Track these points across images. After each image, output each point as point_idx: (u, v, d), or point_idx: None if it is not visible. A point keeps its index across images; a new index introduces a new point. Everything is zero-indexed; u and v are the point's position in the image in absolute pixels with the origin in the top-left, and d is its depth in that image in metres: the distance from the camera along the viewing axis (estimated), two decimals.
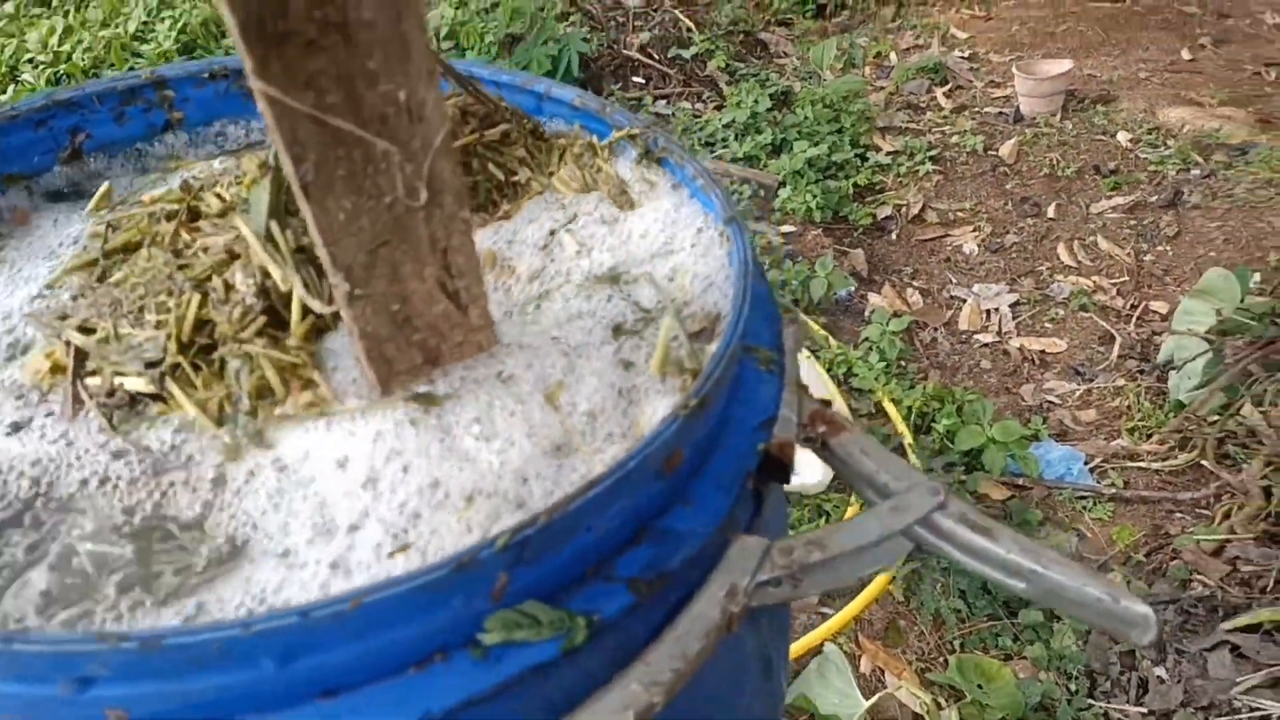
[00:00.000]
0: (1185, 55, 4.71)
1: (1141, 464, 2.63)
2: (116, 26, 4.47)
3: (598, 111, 0.80)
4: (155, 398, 0.57)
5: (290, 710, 0.44)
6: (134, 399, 0.56)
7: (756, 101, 3.89)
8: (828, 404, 0.66)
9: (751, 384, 0.61)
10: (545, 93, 0.83)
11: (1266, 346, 2.67)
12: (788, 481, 0.61)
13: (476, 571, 0.44)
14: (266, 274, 0.59)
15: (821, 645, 2.09)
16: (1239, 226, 3.40)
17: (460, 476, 0.55)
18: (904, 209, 3.72)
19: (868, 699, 1.97)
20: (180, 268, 0.63)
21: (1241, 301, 2.84)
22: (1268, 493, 2.37)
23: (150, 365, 0.56)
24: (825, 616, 2.17)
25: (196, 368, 0.57)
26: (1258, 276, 3.07)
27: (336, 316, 0.64)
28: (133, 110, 0.82)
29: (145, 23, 4.50)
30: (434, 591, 0.43)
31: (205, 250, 0.64)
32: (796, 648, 2.06)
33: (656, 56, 4.35)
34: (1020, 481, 2.56)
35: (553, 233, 0.75)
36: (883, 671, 2.11)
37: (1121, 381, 2.93)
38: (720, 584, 0.54)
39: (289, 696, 0.44)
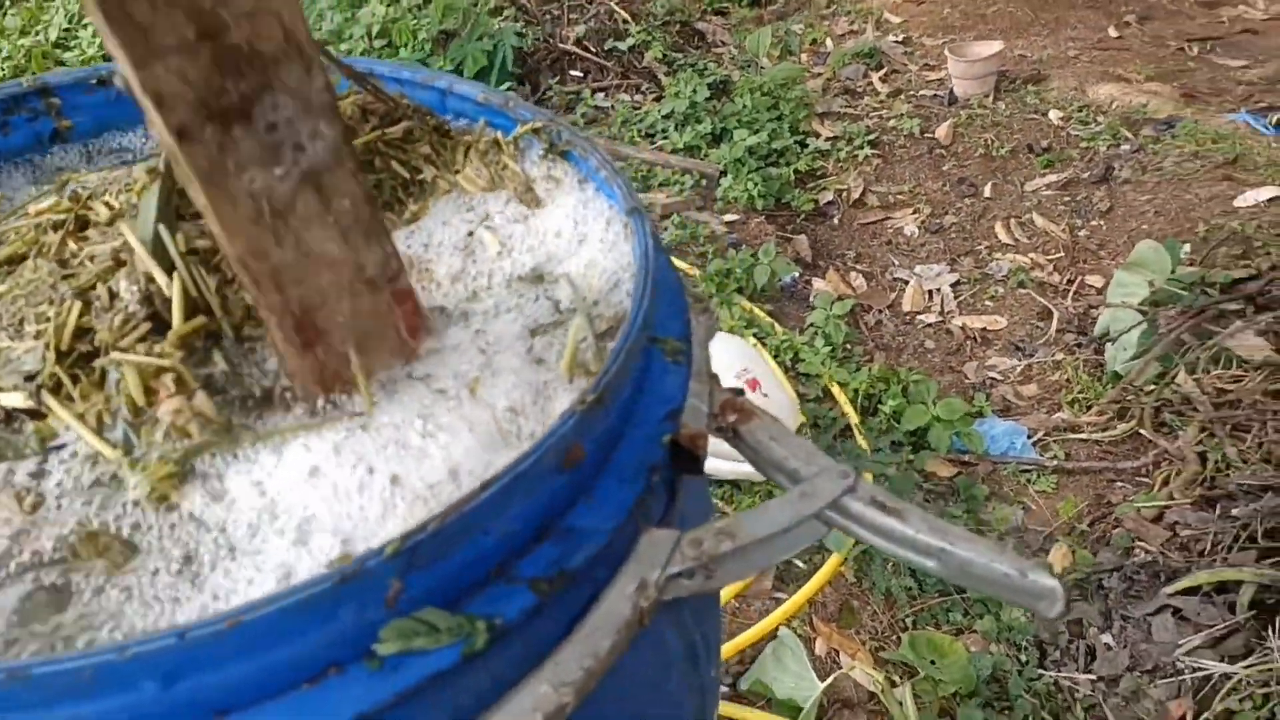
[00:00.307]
0: (1112, 33, 4.81)
1: (1082, 435, 2.68)
2: (37, 34, 4.33)
3: (501, 106, 0.79)
4: (33, 414, 0.55)
5: None
6: (9, 415, 0.54)
7: (695, 91, 3.89)
8: (739, 393, 0.66)
9: (657, 375, 0.60)
10: (448, 89, 0.81)
11: (1197, 315, 2.73)
12: (700, 472, 0.60)
13: (365, 581, 0.43)
14: (151, 280, 0.57)
15: (776, 630, 2.10)
16: (1168, 199, 3.48)
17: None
18: (845, 194, 3.75)
19: (823, 680, 1.99)
20: (65, 277, 0.60)
21: (1173, 272, 2.91)
22: (1203, 458, 2.43)
23: (28, 379, 0.54)
24: (779, 601, 2.18)
25: (75, 378, 0.54)
26: (1187, 247, 3.15)
27: (238, 325, 0.63)
28: (17, 119, 0.79)
29: (67, 29, 4.37)
30: (320, 605, 0.42)
31: (91, 259, 0.62)
32: (752, 634, 2.07)
33: (593, 49, 4.33)
34: (966, 458, 2.60)
35: (471, 233, 0.74)
36: (838, 653, 2.13)
37: (1060, 356, 2.98)
38: (630, 579, 0.53)
39: (178, 719, 0.43)
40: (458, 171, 0.73)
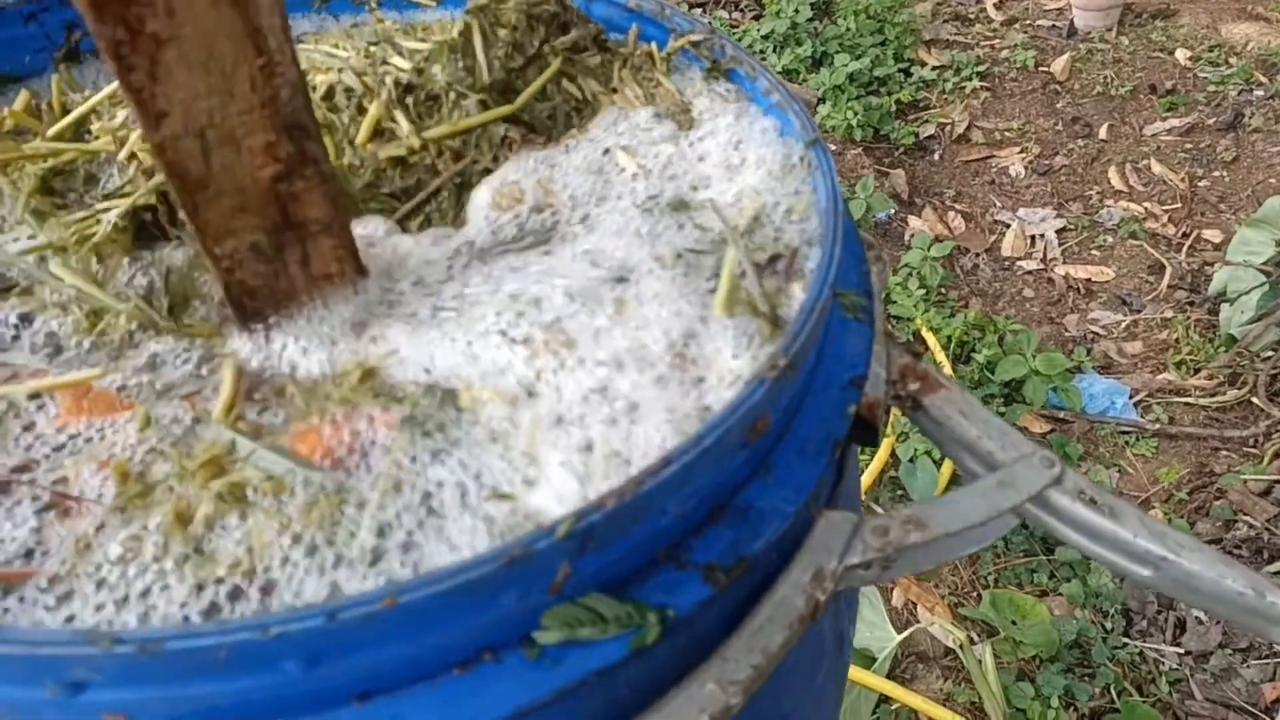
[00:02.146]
0: None
1: (1188, 399, 2.54)
2: None
3: (655, 15, 0.70)
4: None
5: (320, 715, 0.38)
6: None
7: (797, 11, 3.68)
8: (918, 356, 0.58)
9: (838, 335, 0.53)
10: None
11: None
12: (877, 445, 0.53)
13: (533, 564, 0.37)
14: None
15: None
16: None
17: None
18: (948, 128, 3.55)
19: (900, 632, 1.94)
20: None
21: None
22: None
23: None
24: None
25: None
26: None
27: None
28: None
29: None
30: (483, 588, 0.36)
31: None
32: None
33: None
34: (1061, 415, 2.48)
35: (607, 152, 0.67)
36: (915, 605, 2.08)
37: (1170, 313, 2.81)
38: (805, 567, 0.47)
39: (319, 701, 0.38)
40: (615, 90, 0.65)
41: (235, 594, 0.42)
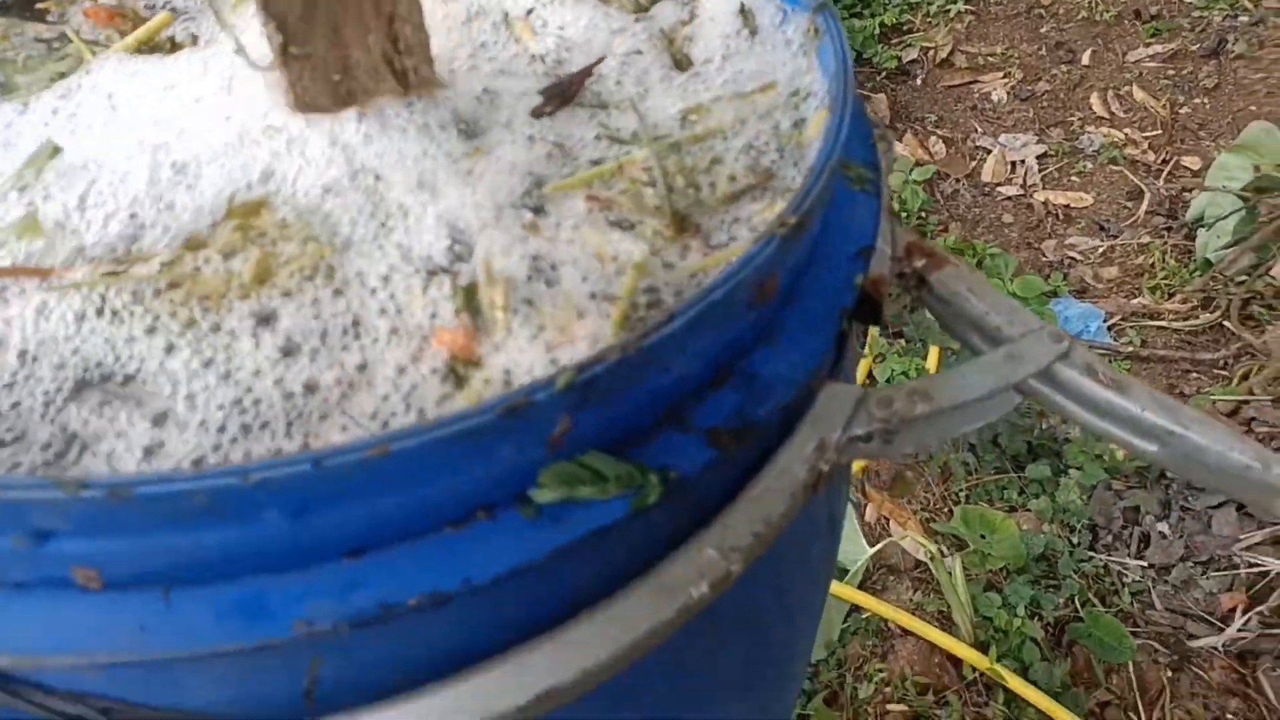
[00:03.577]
0: None
1: (1161, 323, 2.56)
2: None
3: None
4: None
5: (306, 570, 0.36)
6: None
7: None
8: (923, 234, 0.56)
9: (845, 206, 0.51)
10: None
11: None
12: (879, 323, 0.52)
13: (531, 416, 0.35)
14: None
15: None
16: None
17: None
18: (932, 52, 3.49)
19: (872, 546, 1.97)
20: None
21: None
22: None
23: None
24: None
25: None
26: None
27: None
28: None
29: None
30: (478, 439, 0.34)
31: None
32: None
33: None
34: None
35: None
36: (888, 520, 2.11)
37: (1147, 239, 2.82)
38: (808, 438, 0.45)
39: (304, 555, 0.36)
40: None
41: None
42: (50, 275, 0.45)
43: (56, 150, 0.53)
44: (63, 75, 0.60)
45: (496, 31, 0.65)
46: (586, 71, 0.62)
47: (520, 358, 0.42)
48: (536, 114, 0.60)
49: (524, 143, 0.55)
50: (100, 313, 0.44)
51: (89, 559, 0.34)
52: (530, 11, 0.66)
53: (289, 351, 0.43)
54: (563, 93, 0.61)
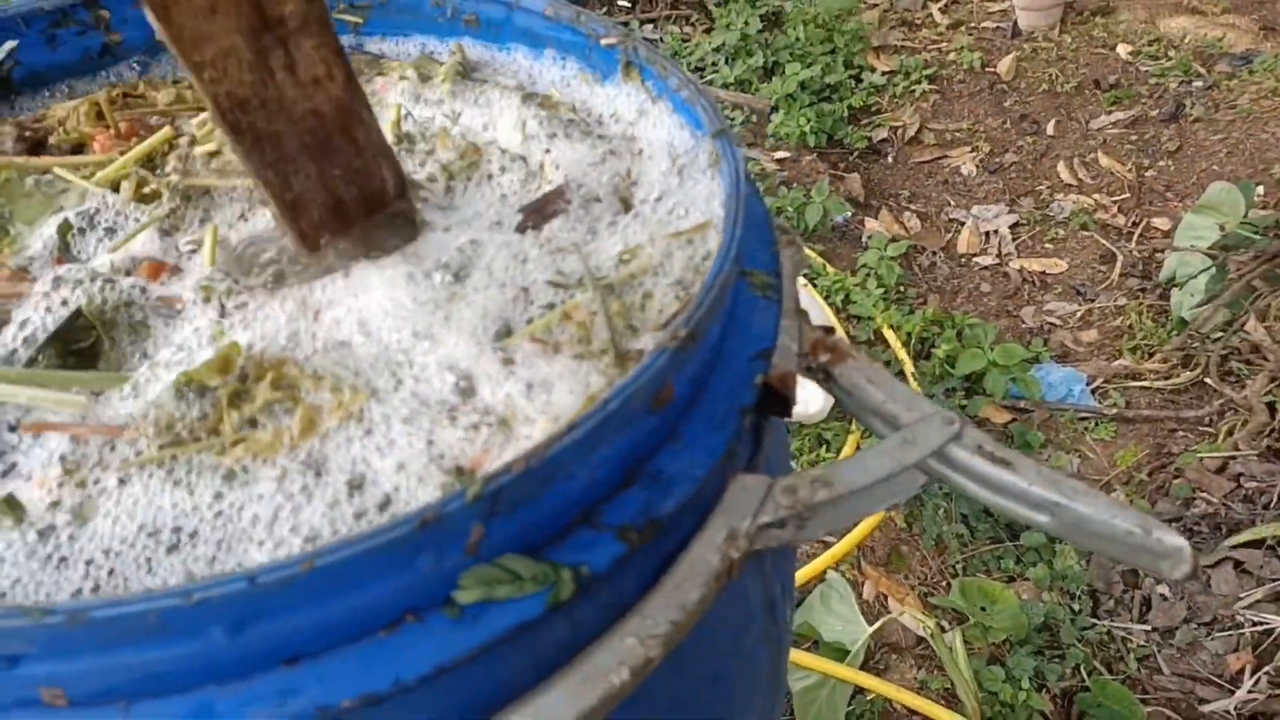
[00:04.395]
0: None
1: (1144, 383, 2.60)
2: None
3: (571, 21, 0.74)
4: None
5: (249, 680, 0.40)
6: None
7: (746, 23, 3.75)
8: (830, 331, 0.61)
9: (746, 311, 0.56)
10: (515, 2, 0.76)
11: (1271, 260, 2.61)
12: (789, 415, 0.56)
13: (446, 526, 0.39)
14: None
15: (824, 573, 2.08)
16: (1242, 138, 3.31)
17: None
18: (900, 130, 3.62)
19: (871, 624, 1.97)
20: None
21: (1245, 215, 2.78)
22: (1271, 408, 2.34)
23: None
24: (828, 545, 2.15)
25: None
26: (1261, 189, 3.01)
27: None
28: (64, 33, 0.75)
29: None
30: (398, 550, 0.39)
31: None
32: (800, 576, 2.05)
33: None
34: (1022, 404, 2.53)
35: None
36: (886, 597, 2.11)
37: (1123, 300, 2.88)
38: (718, 528, 0.49)
39: (246, 665, 0.40)
40: None
41: None
42: (118, 434, 0.50)
43: None
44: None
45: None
46: (558, 192, 0.68)
47: None
48: (520, 229, 0.65)
49: (497, 289, 0.60)
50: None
51: (54, 679, 0.38)
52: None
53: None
54: (539, 209, 0.67)
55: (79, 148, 0.72)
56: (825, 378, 0.59)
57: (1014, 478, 0.52)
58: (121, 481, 0.49)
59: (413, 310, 0.57)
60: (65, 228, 0.65)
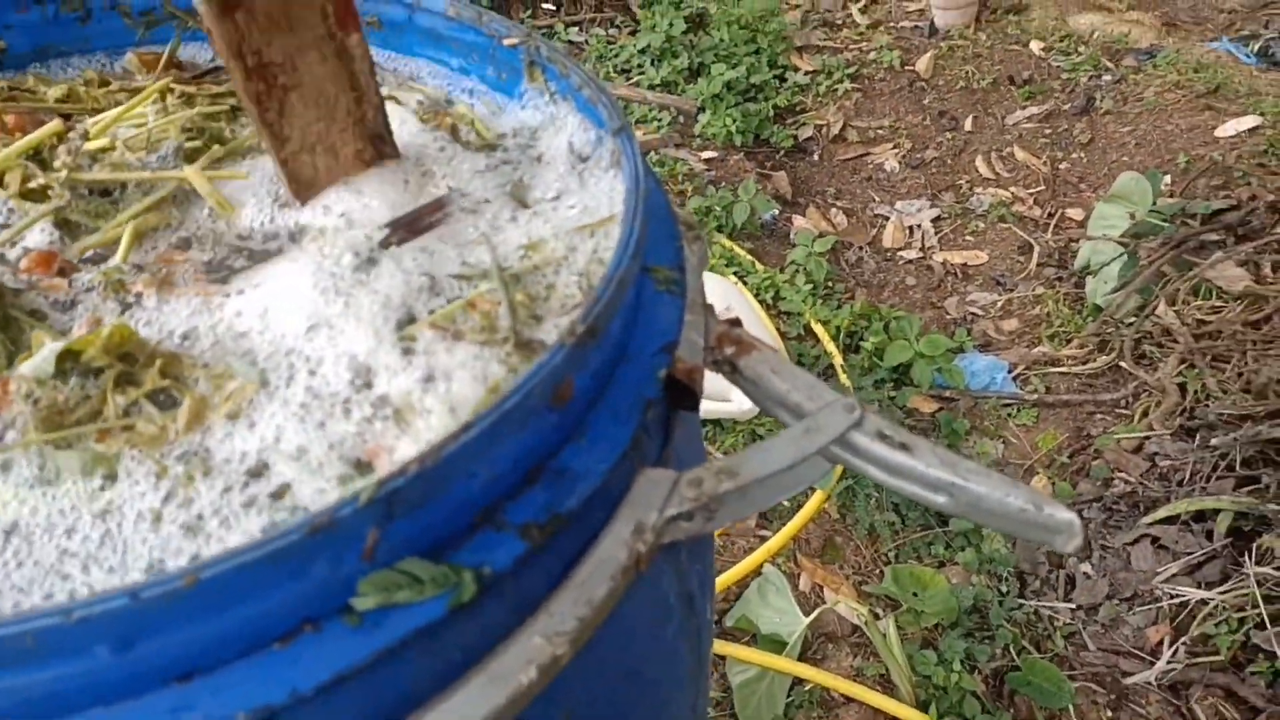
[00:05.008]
0: None
1: (1062, 369, 2.68)
2: None
3: (474, 22, 0.73)
4: None
5: (140, 699, 0.39)
6: None
7: (671, 25, 3.77)
8: (736, 324, 0.62)
9: (650, 306, 0.56)
10: (416, 3, 0.75)
11: (1178, 247, 2.72)
12: (695, 409, 0.57)
13: (338, 532, 0.39)
14: None
15: (761, 567, 2.11)
16: (1149, 130, 3.44)
17: None
18: (824, 129, 3.68)
19: (808, 615, 2.00)
20: None
21: (1153, 204, 2.89)
22: (1183, 389, 2.44)
23: None
24: (764, 539, 2.18)
25: None
26: (1168, 178, 3.13)
27: None
28: None
29: None
30: (288, 559, 0.38)
31: None
32: (736, 571, 2.07)
33: None
34: (948, 393, 2.59)
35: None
36: (822, 588, 2.14)
37: (1041, 289, 2.97)
38: (625, 522, 0.50)
39: (136, 684, 0.39)
40: None
41: None
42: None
43: None
44: None
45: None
46: (434, 206, 0.67)
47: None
48: (384, 244, 0.65)
49: (402, 276, 0.59)
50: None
51: None
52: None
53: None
54: (409, 225, 0.67)
55: None
56: (731, 370, 0.60)
57: (912, 461, 0.53)
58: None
59: (314, 299, 0.56)
60: None
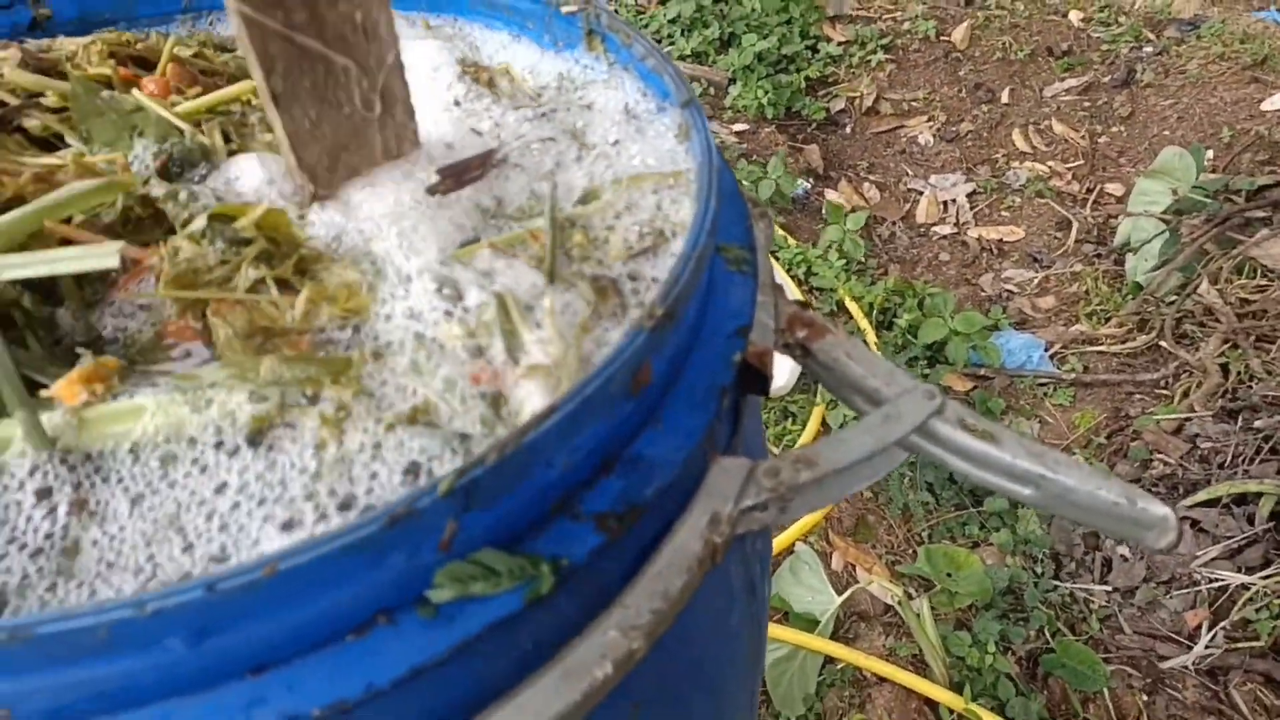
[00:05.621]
0: None
1: (1100, 348, 2.63)
2: None
3: None
4: None
5: (213, 691, 0.38)
6: None
7: None
8: (805, 305, 0.60)
9: (722, 287, 0.54)
10: None
11: (1222, 224, 2.66)
12: (767, 394, 0.55)
13: (417, 523, 0.37)
14: None
15: (793, 546, 2.09)
16: (1192, 103, 3.36)
17: None
18: (857, 101, 3.62)
19: (840, 594, 1.98)
20: None
21: (1196, 179, 2.82)
22: (1225, 370, 2.39)
23: None
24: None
25: None
26: (1211, 153, 3.05)
27: None
28: None
29: None
30: (366, 550, 0.36)
31: None
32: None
33: None
34: (982, 372, 2.56)
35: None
36: (854, 567, 2.12)
37: (1079, 266, 2.91)
38: (701, 512, 0.48)
39: (209, 677, 0.38)
40: None
41: None
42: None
43: None
44: None
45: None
46: (485, 158, 0.65)
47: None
48: (430, 191, 0.63)
49: (468, 202, 0.59)
50: None
51: (0, 700, 0.35)
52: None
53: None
54: (458, 174, 0.65)
55: (107, 83, 0.69)
56: (803, 354, 0.57)
57: (998, 451, 0.51)
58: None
59: (409, 209, 0.56)
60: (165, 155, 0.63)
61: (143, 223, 0.57)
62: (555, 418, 0.40)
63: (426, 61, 0.69)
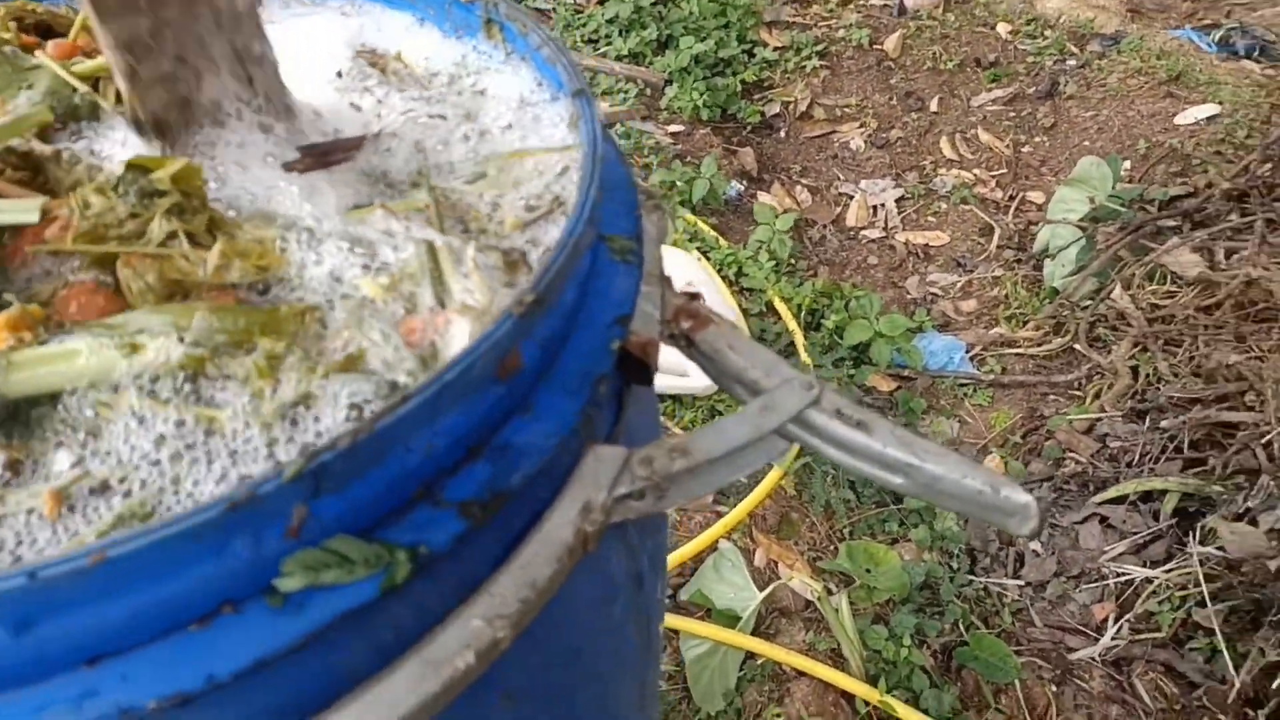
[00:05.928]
0: None
1: (1018, 350, 2.70)
2: None
3: None
4: None
5: (43, 684, 0.36)
6: None
7: None
8: (695, 297, 0.60)
9: (605, 276, 0.54)
10: None
11: (1135, 232, 2.75)
12: (650, 384, 0.55)
13: (260, 508, 0.36)
14: None
15: (716, 543, 2.10)
16: (1111, 116, 3.47)
17: None
18: (792, 105, 3.66)
19: (762, 591, 2.00)
20: None
21: (1113, 188, 2.91)
22: (1135, 372, 2.47)
23: None
24: (719, 515, 2.17)
25: None
26: (1128, 164, 3.16)
27: None
28: None
29: None
30: (205, 538, 0.35)
31: None
32: (692, 546, 2.07)
33: None
34: (905, 372, 2.61)
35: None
36: (776, 564, 2.14)
37: (1000, 271, 2.99)
38: (572, 501, 0.48)
39: (38, 668, 0.36)
40: None
41: None
42: None
43: None
44: None
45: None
46: (353, 141, 0.64)
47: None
48: (287, 168, 0.61)
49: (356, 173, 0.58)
50: None
51: None
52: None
53: None
54: (320, 155, 0.63)
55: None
56: (687, 344, 0.58)
57: (869, 440, 0.52)
58: None
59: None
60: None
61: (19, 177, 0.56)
62: (413, 402, 0.40)
63: (320, 33, 0.67)
